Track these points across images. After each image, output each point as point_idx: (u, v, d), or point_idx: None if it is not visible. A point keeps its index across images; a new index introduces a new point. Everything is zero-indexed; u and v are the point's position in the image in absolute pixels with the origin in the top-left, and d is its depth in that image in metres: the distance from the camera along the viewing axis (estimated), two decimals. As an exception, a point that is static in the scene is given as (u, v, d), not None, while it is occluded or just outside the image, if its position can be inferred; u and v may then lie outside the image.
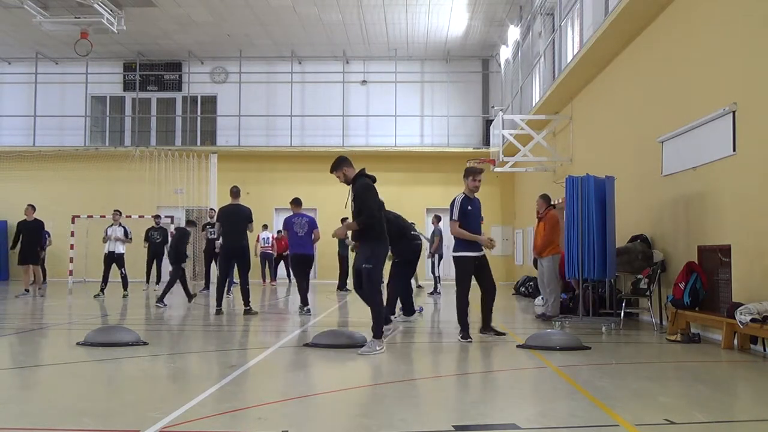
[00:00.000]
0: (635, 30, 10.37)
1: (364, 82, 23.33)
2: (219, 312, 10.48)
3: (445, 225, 20.41)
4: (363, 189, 6.97)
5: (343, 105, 22.92)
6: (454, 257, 7.87)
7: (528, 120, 16.27)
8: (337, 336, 7.20)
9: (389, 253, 7.86)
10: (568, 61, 13.59)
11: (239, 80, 22.87)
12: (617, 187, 9.25)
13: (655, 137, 9.51)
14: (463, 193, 7.97)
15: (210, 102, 23.63)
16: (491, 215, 22.78)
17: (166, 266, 16.74)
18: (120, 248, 14.47)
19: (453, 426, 3.92)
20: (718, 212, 7.83)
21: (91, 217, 19.29)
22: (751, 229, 7.08)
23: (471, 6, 18.71)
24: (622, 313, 9.26)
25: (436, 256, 15.83)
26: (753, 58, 7.18)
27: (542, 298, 10.92)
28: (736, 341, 7.00)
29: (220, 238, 14.88)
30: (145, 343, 7.02)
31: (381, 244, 6.98)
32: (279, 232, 20.61)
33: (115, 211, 15.07)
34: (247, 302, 10.67)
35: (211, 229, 16.00)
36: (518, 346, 7.12)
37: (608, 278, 9.44)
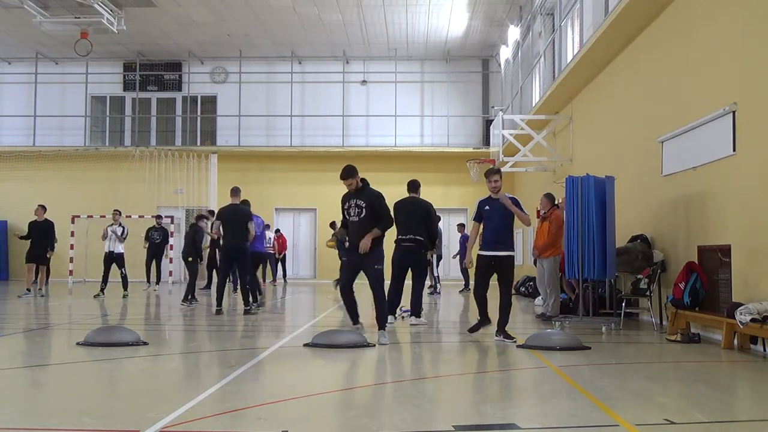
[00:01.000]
0: (635, 30, 10.37)
1: (364, 82, 23.34)
2: (219, 312, 10.48)
3: (445, 225, 20.58)
4: (378, 198, 7.58)
5: (343, 105, 22.92)
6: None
7: (528, 120, 16.27)
8: (337, 336, 7.19)
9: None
10: (568, 61, 13.59)
11: (239, 80, 22.87)
12: (617, 187, 9.25)
13: (655, 137, 9.51)
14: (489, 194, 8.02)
15: (210, 102, 23.64)
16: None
17: (166, 266, 16.81)
18: (119, 248, 14.47)
19: (453, 426, 3.92)
20: (718, 212, 7.83)
21: (91, 217, 19.28)
22: (751, 229, 7.08)
23: (471, 6, 18.71)
24: (622, 313, 9.26)
25: (435, 256, 15.82)
26: (753, 58, 7.18)
27: (542, 298, 10.91)
28: (736, 341, 7.00)
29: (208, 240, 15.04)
30: (145, 343, 7.02)
31: (381, 246, 7.63)
32: (277, 231, 20.68)
33: (115, 210, 15.07)
34: (247, 302, 10.67)
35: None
36: (518, 346, 7.12)
37: (608, 278, 9.43)
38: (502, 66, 21.12)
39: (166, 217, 17.10)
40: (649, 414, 4.31)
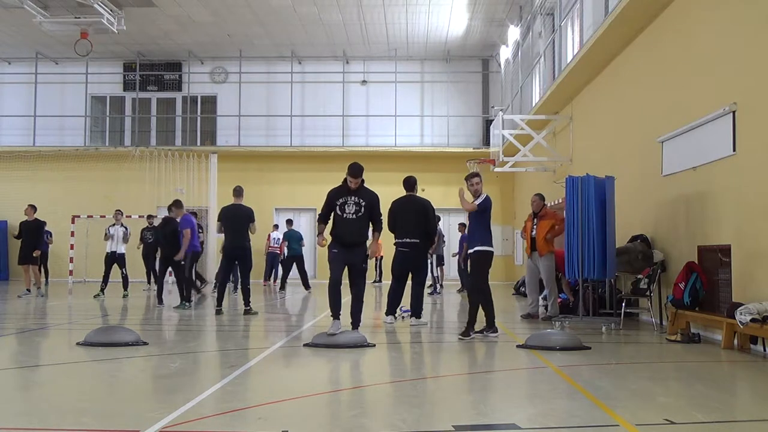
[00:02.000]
0: (635, 30, 10.37)
1: (364, 82, 23.33)
2: (219, 312, 10.48)
3: (445, 225, 20.58)
4: (378, 199, 7.69)
5: (343, 105, 22.92)
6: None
7: (528, 120, 16.26)
8: (337, 336, 7.18)
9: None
10: (568, 61, 13.59)
11: (239, 80, 22.87)
12: (617, 187, 9.25)
13: (655, 137, 9.51)
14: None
15: (210, 102, 23.63)
16: (491, 215, 22.80)
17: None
18: (121, 248, 14.47)
19: (453, 426, 3.92)
20: (718, 212, 7.83)
21: (91, 217, 19.32)
22: (751, 229, 7.08)
23: (471, 6, 18.71)
24: (622, 313, 9.25)
25: (434, 256, 15.82)
26: (753, 58, 7.18)
27: (542, 298, 10.84)
28: (736, 341, 7.00)
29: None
30: (145, 343, 7.02)
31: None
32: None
33: (116, 210, 15.07)
34: (247, 302, 10.67)
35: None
36: (518, 346, 7.12)
37: (608, 278, 9.43)
38: (502, 66, 21.12)
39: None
40: (649, 414, 4.31)
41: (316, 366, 6.23)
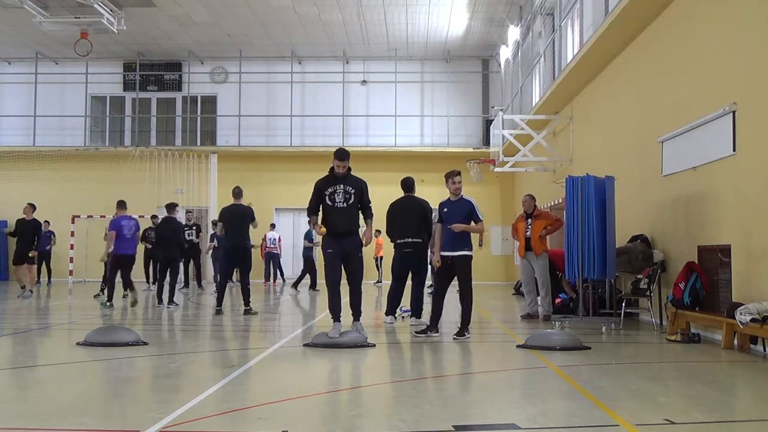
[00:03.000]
0: (635, 30, 10.37)
1: (364, 82, 23.33)
2: (219, 312, 10.49)
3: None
4: (366, 186, 7.54)
5: (343, 105, 22.92)
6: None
7: (528, 120, 16.26)
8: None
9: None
10: (568, 61, 13.59)
11: (239, 80, 22.87)
12: (617, 187, 9.24)
13: (655, 137, 9.51)
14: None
15: (210, 102, 23.63)
16: (491, 215, 22.81)
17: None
18: (122, 248, 14.43)
19: (453, 426, 3.92)
20: (718, 212, 7.83)
21: (91, 217, 19.30)
22: (751, 229, 7.08)
23: (471, 6, 18.70)
24: (622, 313, 9.26)
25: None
26: (753, 58, 7.18)
27: (539, 298, 10.81)
28: (736, 341, 7.00)
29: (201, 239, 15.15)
30: (145, 343, 7.02)
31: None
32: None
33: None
34: (247, 302, 10.67)
35: (189, 231, 16.39)
36: (518, 346, 7.12)
37: (608, 278, 9.43)
38: (502, 66, 21.12)
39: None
40: (649, 414, 4.31)
41: (316, 366, 6.23)
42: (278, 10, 19.07)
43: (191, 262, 16.94)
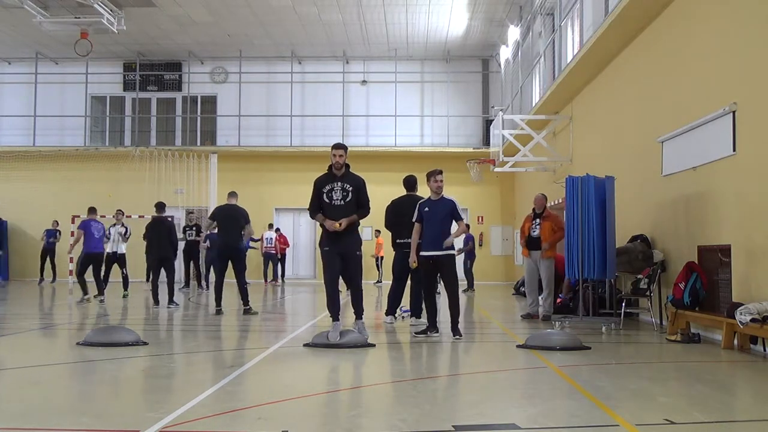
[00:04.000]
0: (635, 30, 10.37)
1: (364, 82, 23.33)
2: (219, 312, 10.49)
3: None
4: (364, 184, 7.49)
5: (343, 105, 22.91)
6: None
7: (528, 120, 16.26)
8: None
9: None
10: (568, 61, 13.59)
11: (239, 80, 22.86)
12: (617, 187, 9.24)
13: (655, 137, 9.51)
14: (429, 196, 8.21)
15: (210, 102, 23.63)
16: (491, 215, 22.83)
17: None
18: (122, 248, 14.44)
19: (453, 426, 3.92)
20: (718, 212, 7.83)
21: (91, 217, 19.25)
22: (751, 229, 7.08)
23: (471, 6, 18.70)
24: (622, 313, 9.25)
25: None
26: (753, 57, 7.18)
27: (540, 297, 10.82)
28: (736, 341, 7.00)
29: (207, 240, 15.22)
30: (145, 343, 7.02)
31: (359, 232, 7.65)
32: (277, 230, 20.74)
33: (118, 210, 15.04)
34: (246, 302, 10.67)
35: (189, 231, 16.49)
36: (518, 346, 7.12)
37: (608, 278, 9.43)
38: (502, 66, 21.12)
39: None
40: (649, 414, 4.31)
41: (316, 366, 6.23)
42: (278, 10, 19.06)
43: (191, 262, 16.96)
